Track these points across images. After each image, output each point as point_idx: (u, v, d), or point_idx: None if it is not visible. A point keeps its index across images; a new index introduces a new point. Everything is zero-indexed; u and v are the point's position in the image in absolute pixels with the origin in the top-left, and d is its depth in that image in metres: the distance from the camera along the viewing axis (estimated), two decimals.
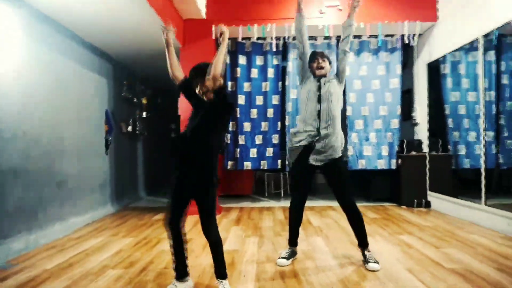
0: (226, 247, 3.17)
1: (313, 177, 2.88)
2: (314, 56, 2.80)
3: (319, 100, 2.68)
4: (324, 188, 7.54)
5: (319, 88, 2.71)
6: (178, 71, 2.25)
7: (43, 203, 3.59)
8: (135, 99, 5.99)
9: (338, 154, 2.67)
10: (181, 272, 2.17)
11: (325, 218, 4.37)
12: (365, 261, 2.63)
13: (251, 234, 3.68)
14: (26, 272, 2.60)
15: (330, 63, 2.83)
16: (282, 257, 2.71)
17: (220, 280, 2.13)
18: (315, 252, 3.02)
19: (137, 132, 6.15)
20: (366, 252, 2.67)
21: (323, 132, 2.64)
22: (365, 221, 4.10)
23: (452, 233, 3.58)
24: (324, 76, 2.77)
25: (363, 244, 2.71)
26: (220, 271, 2.15)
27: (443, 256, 2.82)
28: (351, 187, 2.82)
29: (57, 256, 2.99)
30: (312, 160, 2.67)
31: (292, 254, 2.78)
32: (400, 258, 2.81)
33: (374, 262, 2.58)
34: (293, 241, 2.83)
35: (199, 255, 2.96)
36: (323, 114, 2.66)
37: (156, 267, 2.66)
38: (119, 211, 5.11)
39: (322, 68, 2.75)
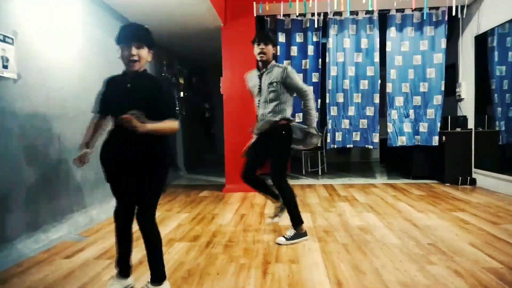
0: (281, 222, 3.25)
1: None
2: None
3: None
4: (359, 166, 7.54)
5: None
6: None
7: (100, 181, 3.74)
8: (173, 79, 6.06)
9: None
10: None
11: (370, 195, 4.39)
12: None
13: (301, 210, 3.72)
14: (99, 244, 2.77)
15: (274, 45, 2.71)
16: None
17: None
18: (371, 227, 3.05)
19: (176, 111, 6.24)
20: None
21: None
22: (411, 198, 4.14)
23: (506, 209, 3.54)
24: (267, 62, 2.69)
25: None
26: None
27: (504, 232, 2.81)
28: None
29: None
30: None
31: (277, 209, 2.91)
32: (459, 233, 2.82)
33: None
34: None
35: None
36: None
37: (221, 240, 2.77)
38: None
39: (264, 53, 2.65)
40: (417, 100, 5.22)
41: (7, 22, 2.49)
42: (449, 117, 5.12)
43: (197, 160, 7.69)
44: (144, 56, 1.82)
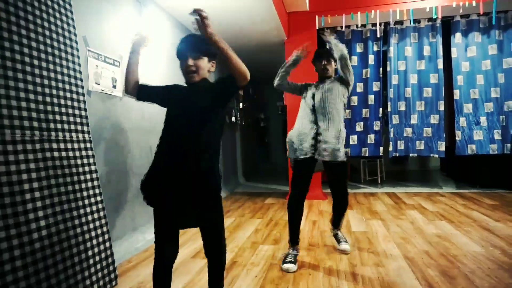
0: (354, 228, 3.35)
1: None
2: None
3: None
4: (418, 175, 7.38)
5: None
6: None
7: None
8: None
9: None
10: None
11: (438, 204, 4.34)
12: (337, 241, 2.78)
13: (371, 217, 3.80)
14: (189, 245, 3.03)
15: (335, 61, 2.65)
16: (288, 262, 2.39)
17: None
18: (448, 235, 3.05)
19: (237, 122, 6.55)
20: (338, 232, 2.82)
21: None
22: (484, 207, 4.06)
23: None
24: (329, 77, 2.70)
25: (338, 225, 2.82)
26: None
27: None
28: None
29: None
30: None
31: (296, 256, 2.49)
32: None
33: (345, 242, 2.74)
34: (295, 239, 2.56)
35: None
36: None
37: (302, 245, 2.91)
38: (228, 196, 5.55)
39: (327, 70, 2.67)
40: (489, 106, 5.05)
41: (114, 48, 2.87)
42: None
43: (253, 169, 7.95)
44: (203, 66, 1.67)
